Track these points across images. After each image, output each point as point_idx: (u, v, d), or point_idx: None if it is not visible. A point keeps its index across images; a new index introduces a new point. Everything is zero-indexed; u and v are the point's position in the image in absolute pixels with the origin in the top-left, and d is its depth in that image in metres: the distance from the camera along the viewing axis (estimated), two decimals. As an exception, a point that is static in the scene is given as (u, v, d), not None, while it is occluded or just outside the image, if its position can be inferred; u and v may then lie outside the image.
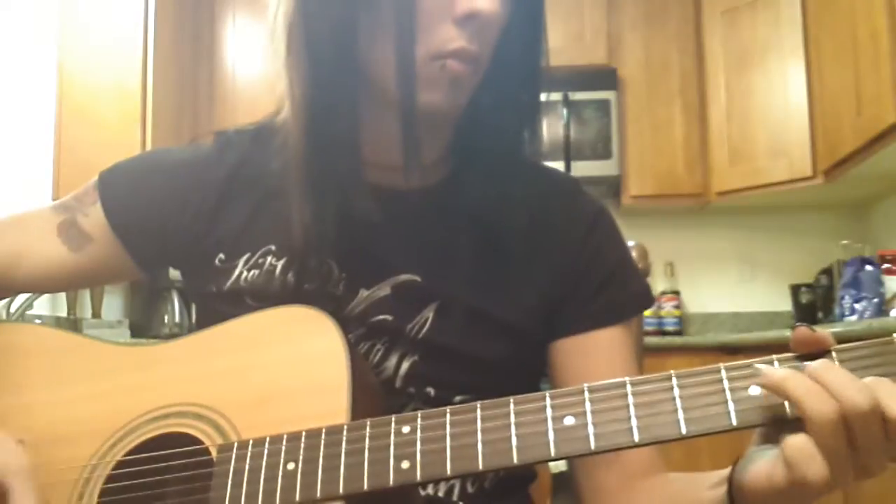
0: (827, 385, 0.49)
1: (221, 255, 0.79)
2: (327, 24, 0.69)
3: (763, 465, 0.53)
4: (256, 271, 0.77)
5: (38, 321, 2.62)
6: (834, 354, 0.51)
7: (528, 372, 0.80)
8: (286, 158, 0.74)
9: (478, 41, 0.68)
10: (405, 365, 0.74)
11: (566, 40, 3.46)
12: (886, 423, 0.48)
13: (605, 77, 3.43)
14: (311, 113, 0.71)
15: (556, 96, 3.35)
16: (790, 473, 0.49)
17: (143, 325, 3.21)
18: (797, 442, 0.49)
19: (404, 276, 0.75)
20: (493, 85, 0.72)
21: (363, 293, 0.75)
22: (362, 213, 0.71)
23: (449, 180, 0.78)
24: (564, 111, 3.34)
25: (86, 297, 2.98)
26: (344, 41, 0.69)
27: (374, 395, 0.68)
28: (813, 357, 0.52)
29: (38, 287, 0.86)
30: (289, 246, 0.75)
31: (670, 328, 3.54)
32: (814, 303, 3.38)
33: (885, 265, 2.71)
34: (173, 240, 0.81)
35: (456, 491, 0.75)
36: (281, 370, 0.65)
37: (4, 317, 2.47)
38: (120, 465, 0.66)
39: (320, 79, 0.70)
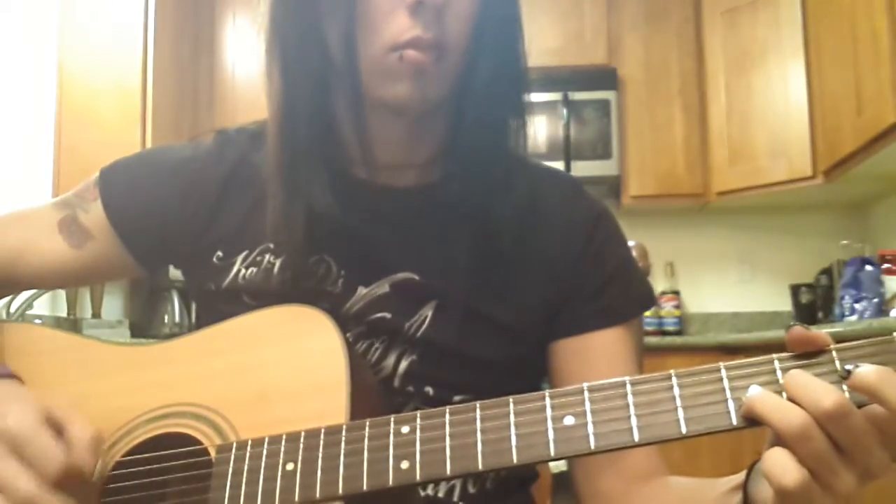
0: (792, 394, 0.49)
1: (220, 253, 0.79)
2: (293, 33, 0.71)
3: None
4: (254, 269, 0.77)
5: (37, 321, 2.62)
6: (834, 353, 0.51)
7: (528, 372, 0.80)
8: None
9: (435, 28, 0.67)
10: (404, 364, 0.74)
11: (566, 40, 3.46)
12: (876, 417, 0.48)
13: (605, 77, 3.42)
14: (281, 115, 0.73)
15: (556, 96, 3.34)
16: (771, 485, 0.49)
17: (143, 325, 3.21)
18: (770, 454, 0.49)
19: (403, 274, 0.75)
20: (474, 76, 0.72)
21: (361, 291, 0.75)
22: (324, 212, 0.71)
23: (445, 179, 0.77)
24: (564, 111, 3.34)
25: (86, 297, 2.98)
26: (310, 47, 0.70)
27: (372, 395, 0.68)
28: (811, 356, 0.51)
29: (40, 283, 0.86)
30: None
31: (670, 328, 3.54)
32: (814, 303, 3.38)
33: (885, 265, 2.70)
34: (173, 237, 0.81)
35: (457, 491, 0.75)
36: (279, 370, 0.65)
37: (4, 317, 2.47)
38: (119, 465, 0.66)
39: (289, 84, 0.72)
